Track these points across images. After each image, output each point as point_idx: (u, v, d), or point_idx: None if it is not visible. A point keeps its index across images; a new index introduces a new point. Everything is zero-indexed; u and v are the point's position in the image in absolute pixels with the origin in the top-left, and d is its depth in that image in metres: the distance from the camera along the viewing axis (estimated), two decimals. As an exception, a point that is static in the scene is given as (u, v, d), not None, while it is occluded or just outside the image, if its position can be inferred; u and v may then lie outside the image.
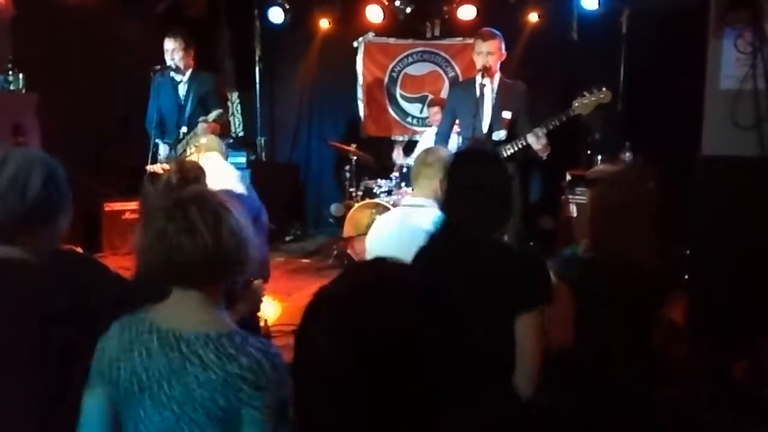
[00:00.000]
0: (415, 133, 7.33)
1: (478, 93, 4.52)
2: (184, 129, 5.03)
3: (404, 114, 7.53)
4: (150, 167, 4.52)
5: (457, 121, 4.71)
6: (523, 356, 2.05)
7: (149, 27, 6.41)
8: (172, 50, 5.04)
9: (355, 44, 7.47)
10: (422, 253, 2.17)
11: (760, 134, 3.76)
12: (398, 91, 7.52)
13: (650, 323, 2.39)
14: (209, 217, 1.56)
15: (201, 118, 4.91)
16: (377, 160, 6.77)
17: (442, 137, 4.74)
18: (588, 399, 2.25)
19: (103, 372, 1.58)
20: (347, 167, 6.66)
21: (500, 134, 4.50)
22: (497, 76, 4.60)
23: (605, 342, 2.27)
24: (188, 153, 3.43)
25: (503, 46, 4.58)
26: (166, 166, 3.89)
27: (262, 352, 1.55)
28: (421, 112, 7.44)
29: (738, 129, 3.79)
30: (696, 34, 4.21)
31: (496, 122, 4.53)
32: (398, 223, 2.99)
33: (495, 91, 4.58)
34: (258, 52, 7.51)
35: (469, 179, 2.22)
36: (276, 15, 7.03)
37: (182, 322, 1.57)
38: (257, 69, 7.51)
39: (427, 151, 3.13)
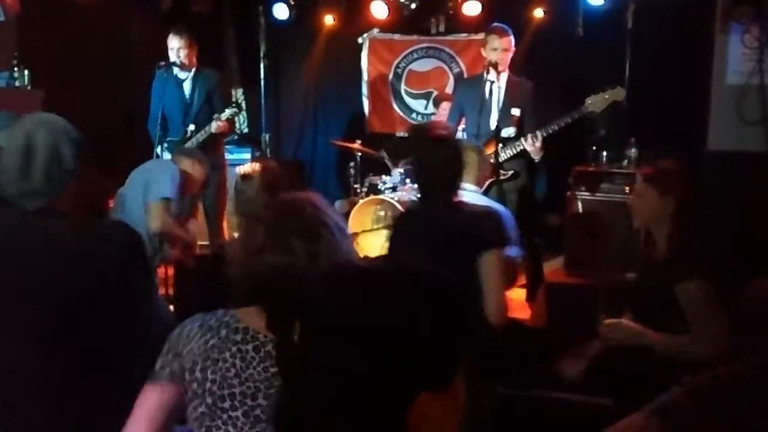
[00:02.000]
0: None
1: (486, 89, 4.51)
2: (191, 127, 5.04)
3: (409, 110, 7.52)
4: (240, 169, 4.49)
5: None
6: (490, 290, 2.41)
7: (155, 24, 6.42)
8: (177, 48, 5.04)
9: (359, 40, 7.46)
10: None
11: (767, 129, 3.75)
12: (403, 87, 7.51)
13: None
14: (307, 234, 1.51)
15: (215, 116, 4.93)
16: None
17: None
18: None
19: (176, 373, 1.49)
20: (352, 164, 6.65)
21: (509, 131, 4.50)
22: (505, 73, 4.58)
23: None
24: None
25: (509, 42, 4.57)
26: (256, 167, 3.88)
27: None
28: (425, 108, 7.42)
29: (744, 124, 3.79)
30: (702, 30, 4.20)
31: (504, 119, 4.53)
32: None
33: (503, 88, 4.57)
34: (263, 49, 7.49)
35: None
36: (281, 11, 7.02)
37: None
38: (262, 65, 7.50)
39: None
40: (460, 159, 2.57)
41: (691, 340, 2.34)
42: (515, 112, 4.52)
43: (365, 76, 7.57)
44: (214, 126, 4.94)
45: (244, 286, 1.53)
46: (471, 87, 4.75)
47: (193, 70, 5.14)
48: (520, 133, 4.47)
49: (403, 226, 2.69)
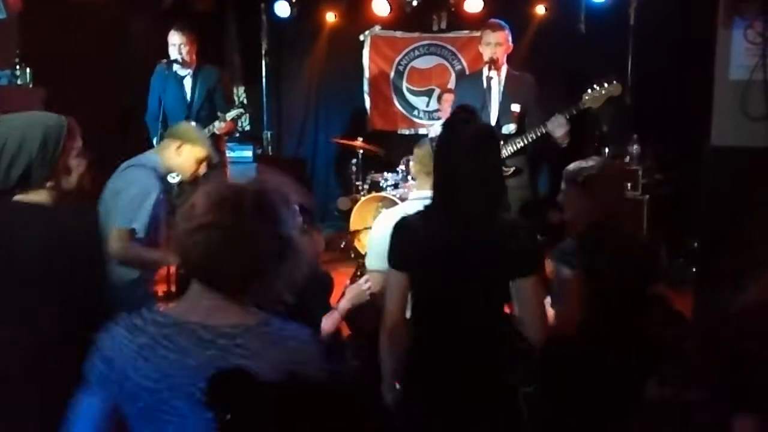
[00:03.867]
0: (421, 126, 7.31)
1: (485, 86, 4.49)
2: (192, 124, 5.02)
3: (411, 107, 7.52)
4: None
5: None
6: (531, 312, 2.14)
7: (157, 21, 6.41)
8: (179, 44, 5.02)
9: (361, 38, 7.46)
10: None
11: (771, 125, 3.73)
12: (405, 85, 7.50)
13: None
14: (256, 221, 1.49)
15: (220, 116, 4.91)
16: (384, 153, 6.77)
17: None
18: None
19: (109, 378, 1.49)
20: (353, 161, 6.65)
21: (510, 128, 4.48)
22: (504, 69, 4.57)
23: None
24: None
25: (510, 38, 4.55)
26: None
27: (299, 331, 1.54)
28: (427, 105, 7.42)
29: (748, 119, 3.75)
30: (705, 25, 4.18)
31: (504, 115, 4.51)
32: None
33: (502, 83, 4.55)
34: (264, 46, 7.50)
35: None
36: (282, 9, 7.03)
37: (213, 316, 1.50)
38: (264, 63, 7.50)
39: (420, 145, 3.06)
40: None
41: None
42: (515, 107, 4.50)
43: (367, 74, 7.56)
44: (218, 126, 4.93)
45: (187, 264, 1.54)
46: (471, 84, 4.73)
47: (194, 67, 5.12)
48: (521, 129, 4.45)
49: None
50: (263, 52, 7.50)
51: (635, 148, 5.42)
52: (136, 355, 1.47)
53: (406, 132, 7.40)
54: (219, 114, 4.95)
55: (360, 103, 7.62)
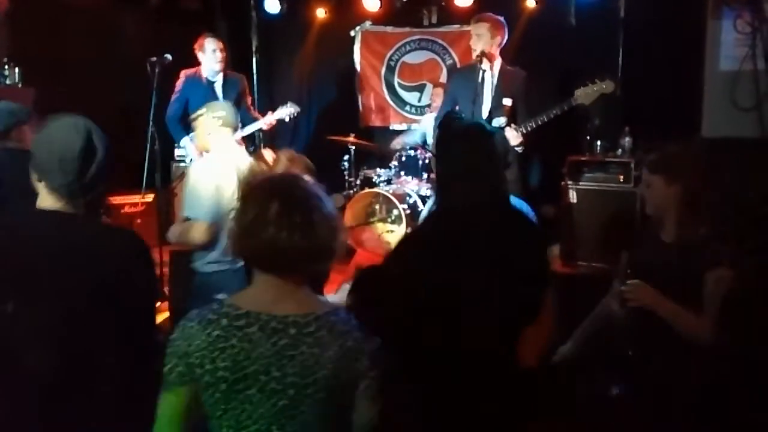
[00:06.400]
0: (413, 122, 7.30)
1: (479, 79, 4.50)
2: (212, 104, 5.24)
3: (402, 103, 7.51)
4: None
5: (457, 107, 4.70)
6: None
7: (145, 19, 6.38)
8: (214, 50, 5.28)
9: (352, 33, 7.44)
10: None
11: (761, 115, 3.75)
12: (396, 80, 7.49)
13: None
14: (306, 209, 1.58)
15: (268, 114, 5.37)
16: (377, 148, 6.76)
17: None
18: None
19: (186, 373, 1.56)
20: (346, 157, 6.64)
21: (500, 121, 4.49)
22: (498, 63, 4.57)
23: None
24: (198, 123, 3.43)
25: (502, 30, 4.55)
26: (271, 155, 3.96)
27: (358, 326, 1.62)
28: (419, 100, 7.41)
29: (738, 110, 3.78)
30: (695, 16, 4.19)
31: (496, 109, 4.52)
32: None
33: (495, 77, 4.56)
34: (254, 43, 7.47)
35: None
36: (272, 5, 6.99)
37: (282, 306, 1.58)
38: (254, 60, 7.47)
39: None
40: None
41: (701, 322, 2.35)
42: (507, 101, 4.51)
43: (358, 69, 7.55)
44: (264, 123, 5.33)
45: (244, 253, 1.62)
46: (464, 77, 4.74)
47: (222, 74, 5.30)
48: (512, 123, 4.46)
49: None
50: (253, 49, 7.47)
51: (627, 140, 5.42)
52: (212, 348, 1.54)
53: (398, 127, 7.39)
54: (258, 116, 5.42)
55: (351, 99, 7.60)
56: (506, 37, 4.62)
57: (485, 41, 4.47)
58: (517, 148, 4.44)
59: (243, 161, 3.33)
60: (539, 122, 4.39)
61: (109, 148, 1.98)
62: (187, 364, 1.56)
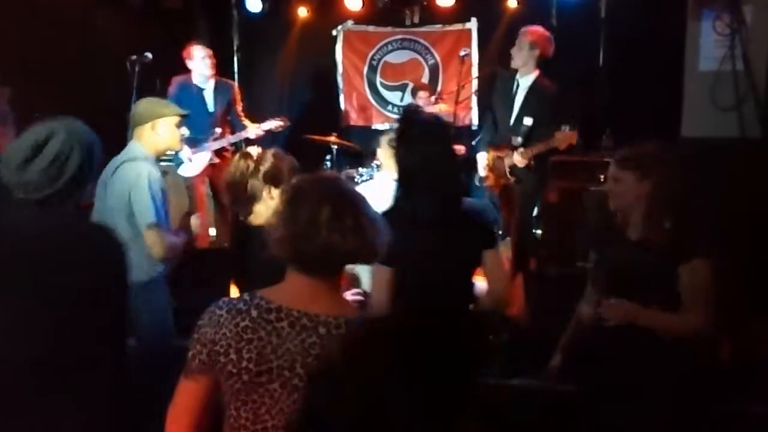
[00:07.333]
0: (395, 121, 7.29)
1: (513, 90, 4.60)
2: (218, 129, 5.42)
3: (384, 102, 7.50)
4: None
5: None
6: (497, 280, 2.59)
7: (126, 19, 6.31)
8: (203, 57, 5.30)
9: (334, 33, 7.42)
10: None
11: (740, 115, 3.78)
12: (378, 80, 7.48)
13: None
14: (355, 212, 1.59)
15: (256, 125, 5.43)
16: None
17: (487, 130, 4.89)
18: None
19: (210, 361, 1.56)
20: (328, 157, 6.62)
21: (518, 140, 4.56)
22: (532, 77, 4.61)
23: None
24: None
25: (539, 43, 4.61)
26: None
27: None
28: (401, 100, 7.40)
29: (718, 110, 3.81)
30: (674, 17, 4.22)
31: (517, 124, 4.61)
32: None
33: (525, 91, 4.62)
34: (236, 43, 7.44)
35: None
36: (253, 4, 6.96)
37: (314, 305, 1.57)
38: (235, 59, 7.44)
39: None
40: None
41: (684, 318, 2.36)
42: (527, 121, 4.58)
43: (340, 69, 7.53)
44: (252, 133, 5.39)
45: (287, 253, 1.59)
46: (503, 84, 4.82)
47: (212, 81, 5.30)
48: (527, 141, 4.55)
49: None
50: (235, 48, 7.44)
51: (608, 140, 5.45)
52: (238, 338, 1.54)
53: (381, 127, 7.37)
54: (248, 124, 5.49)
55: (333, 99, 7.58)
56: (550, 51, 4.66)
57: (524, 54, 4.53)
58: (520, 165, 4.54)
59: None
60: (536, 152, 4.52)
61: (87, 149, 2.00)
62: (212, 351, 1.55)
